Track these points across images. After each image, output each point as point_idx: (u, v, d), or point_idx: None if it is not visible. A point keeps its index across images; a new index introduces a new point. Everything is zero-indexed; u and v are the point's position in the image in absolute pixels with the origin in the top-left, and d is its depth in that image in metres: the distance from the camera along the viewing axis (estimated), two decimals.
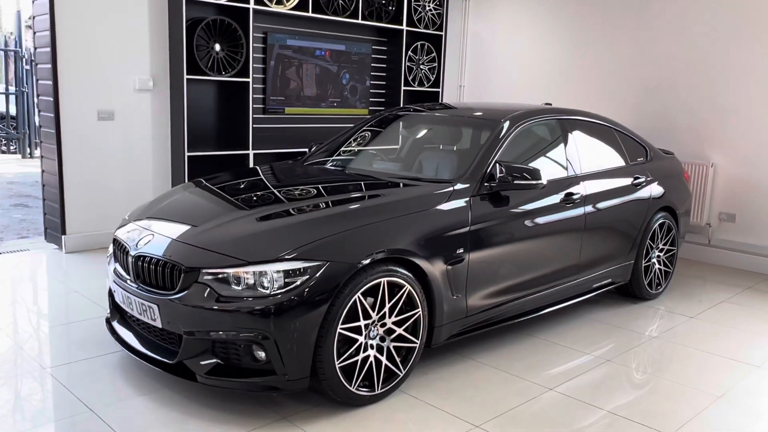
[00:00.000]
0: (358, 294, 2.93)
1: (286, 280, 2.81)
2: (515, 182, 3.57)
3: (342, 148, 4.55)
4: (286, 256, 2.85)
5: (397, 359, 3.15)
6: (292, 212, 3.25)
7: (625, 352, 3.90)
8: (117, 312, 3.49)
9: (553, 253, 3.98)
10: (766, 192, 5.76)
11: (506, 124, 3.93)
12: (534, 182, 3.58)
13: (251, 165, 6.19)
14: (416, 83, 7.59)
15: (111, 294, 3.50)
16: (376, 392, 3.08)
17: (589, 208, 4.15)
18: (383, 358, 3.09)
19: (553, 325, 4.25)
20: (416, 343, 3.21)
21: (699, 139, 6.09)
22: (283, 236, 3.01)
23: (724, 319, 4.55)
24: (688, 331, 4.28)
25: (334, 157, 4.45)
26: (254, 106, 6.23)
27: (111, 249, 3.58)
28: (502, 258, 3.64)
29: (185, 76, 5.65)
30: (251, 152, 6.18)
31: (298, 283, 2.81)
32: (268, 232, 3.05)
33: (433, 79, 7.75)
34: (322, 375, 2.89)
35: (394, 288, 3.09)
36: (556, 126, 4.27)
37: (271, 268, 2.82)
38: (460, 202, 3.47)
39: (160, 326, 3.00)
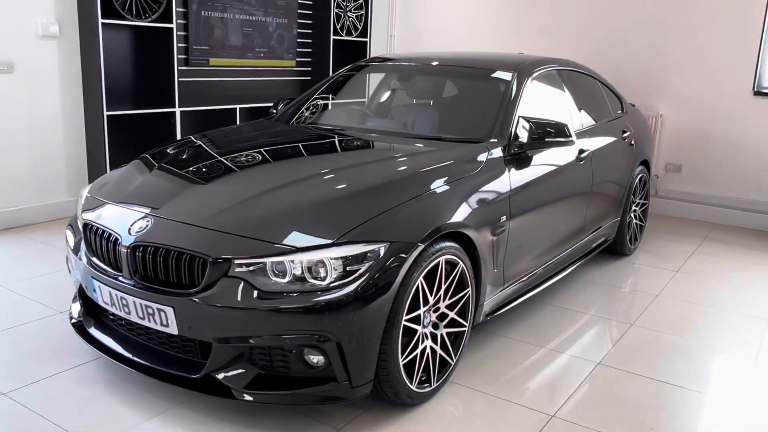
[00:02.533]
0: (421, 278, 2.49)
1: (347, 269, 2.30)
2: (547, 139, 3.23)
3: (322, 104, 3.96)
4: (344, 239, 2.33)
5: (449, 346, 2.76)
6: (328, 183, 2.69)
7: (641, 313, 3.74)
8: (90, 315, 2.80)
9: (568, 213, 3.71)
10: (711, 142, 5.86)
11: (519, 75, 3.56)
12: (564, 139, 3.26)
13: (178, 125, 5.40)
14: (344, 32, 6.99)
15: (82, 294, 2.80)
16: (434, 386, 2.68)
17: (594, 165, 3.91)
18: (438, 347, 2.69)
19: (554, 290, 4.01)
20: (466, 326, 2.83)
21: (646, 90, 6.07)
22: (330, 214, 2.47)
23: (707, 270, 4.55)
24: (682, 286, 4.21)
25: (320, 116, 3.85)
26: (177, 56, 5.40)
27: (71, 236, 2.86)
28: (533, 224, 3.30)
29: (99, 20, 4.74)
30: (177, 110, 5.38)
31: (362, 270, 2.31)
32: (311, 210, 2.49)
33: (360, 27, 7.18)
34: (384, 376, 2.44)
35: (447, 267, 2.67)
36: (557, 77, 3.96)
37: (326, 255, 2.29)
38: (498, 164, 3.08)
39: (175, 333, 2.39)
